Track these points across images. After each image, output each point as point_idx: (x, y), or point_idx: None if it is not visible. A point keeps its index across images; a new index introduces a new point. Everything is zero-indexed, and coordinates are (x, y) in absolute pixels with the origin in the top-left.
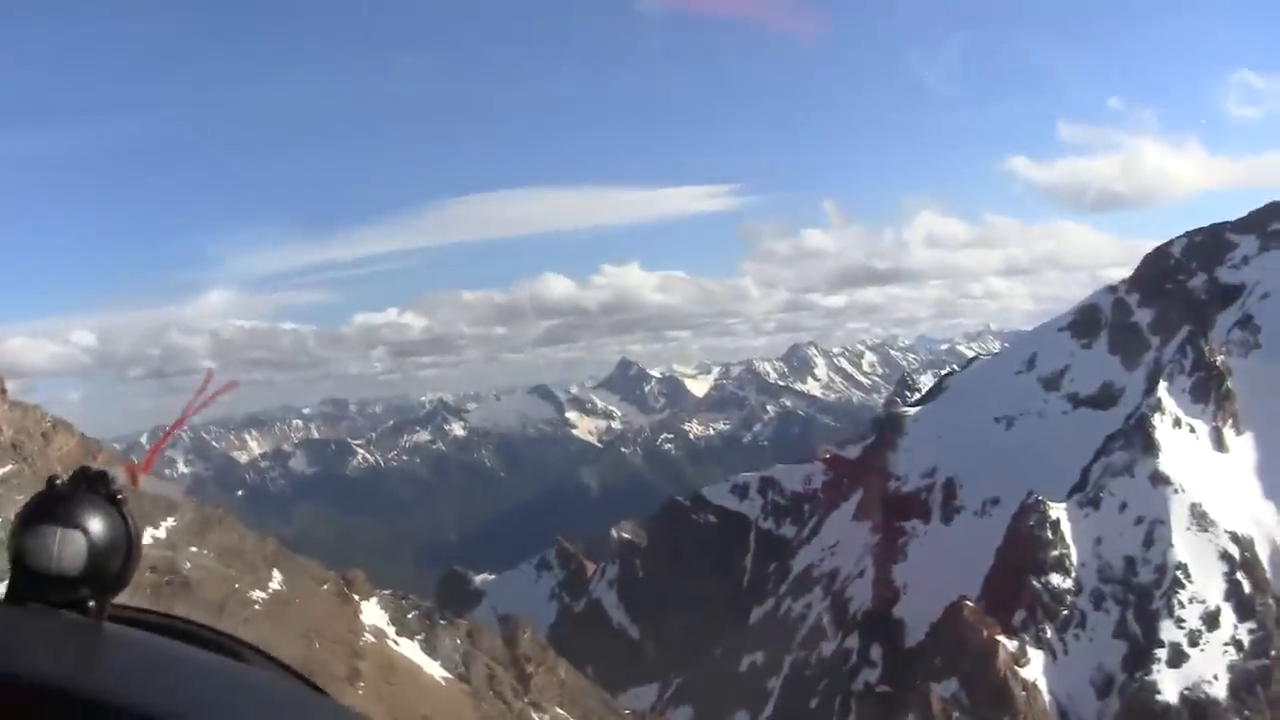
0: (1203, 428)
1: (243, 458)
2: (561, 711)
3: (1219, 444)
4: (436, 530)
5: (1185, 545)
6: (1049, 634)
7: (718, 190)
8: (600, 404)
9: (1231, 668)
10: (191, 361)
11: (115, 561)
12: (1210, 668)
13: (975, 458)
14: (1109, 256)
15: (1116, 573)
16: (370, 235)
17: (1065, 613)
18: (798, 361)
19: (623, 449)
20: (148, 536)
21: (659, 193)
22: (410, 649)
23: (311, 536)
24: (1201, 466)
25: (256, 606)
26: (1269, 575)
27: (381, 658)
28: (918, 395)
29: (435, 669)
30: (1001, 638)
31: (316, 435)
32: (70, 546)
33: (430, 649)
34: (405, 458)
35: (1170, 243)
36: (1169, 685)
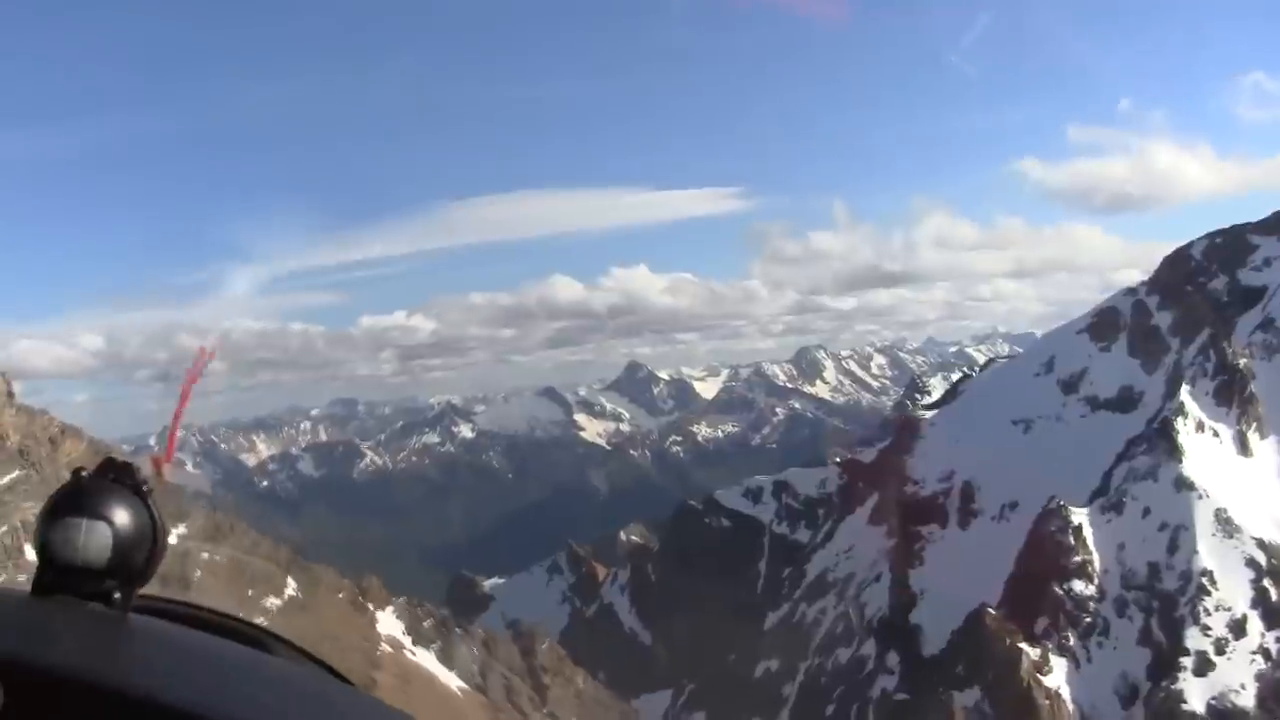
0: (1226, 431)
1: (250, 460)
2: None
3: (1243, 448)
4: (444, 532)
5: (1210, 551)
6: (1072, 642)
7: (726, 192)
8: (609, 406)
9: (1260, 677)
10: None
11: (140, 553)
12: (1238, 677)
13: (993, 461)
14: (1119, 259)
15: (1140, 579)
16: (378, 237)
17: (1088, 620)
18: (806, 364)
19: (631, 451)
20: None
21: (667, 195)
22: (427, 659)
23: (319, 539)
24: (1226, 471)
25: (271, 614)
26: None
27: (399, 667)
28: (928, 397)
29: (452, 679)
30: (1024, 646)
31: (324, 438)
32: (96, 538)
33: (447, 658)
34: (414, 459)
35: (1190, 244)
36: (1195, 695)
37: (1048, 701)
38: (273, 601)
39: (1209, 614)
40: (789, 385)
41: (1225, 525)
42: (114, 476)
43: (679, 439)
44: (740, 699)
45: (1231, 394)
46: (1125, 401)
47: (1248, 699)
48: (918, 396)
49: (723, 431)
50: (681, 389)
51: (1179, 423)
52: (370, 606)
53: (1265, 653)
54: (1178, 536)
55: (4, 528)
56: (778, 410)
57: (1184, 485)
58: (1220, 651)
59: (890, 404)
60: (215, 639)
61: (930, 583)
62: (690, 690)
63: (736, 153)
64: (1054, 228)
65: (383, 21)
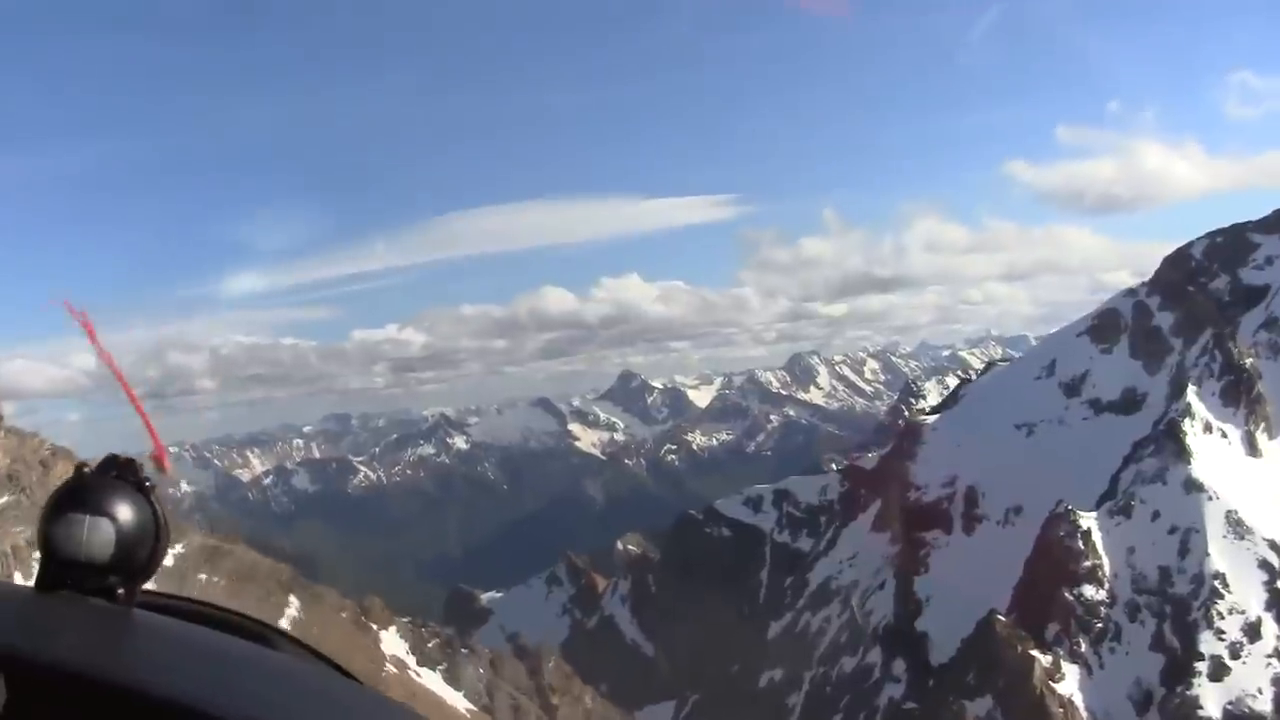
0: (1234, 432)
1: (245, 475)
2: None
3: (1252, 448)
4: (441, 545)
5: (1222, 554)
6: (1083, 648)
7: (716, 200)
8: (603, 416)
9: (1276, 680)
10: (191, 381)
11: (144, 549)
12: (1254, 681)
13: (996, 466)
14: (1110, 260)
15: (1151, 584)
16: (369, 251)
17: (1100, 626)
18: (800, 370)
19: (626, 461)
20: None
21: (657, 203)
22: (433, 679)
23: (316, 555)
24: (1235, 472)
25: None
26: None
27: (404, 690)
28: (923, 401)
29: (459, 700)
30: (1035, 653)
31: (318, 454)
32: (98, 534)
33: (453, 679)
34: (409, 472)
35: (1191, 244)
36: (1211, 700)
37: (1061, 709)
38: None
39: (1222, 617)
40: (783, 392)
41: (1236, 527)
42: (117, 473)
43: (674, 448)
44: (745, 710)
45: (1239, 394)
46: (1128, 404)
47: (1265, 704)
48: (912, 401)
49: (717, 439)
50: (675, 398)
51: (1186, 424)
52: (374, 626)
53: None
54: (1188, 539)
55: None
56: (772, 417)
57: (1193, 487)
58: (1235, 656)
59: (884, 409)
60: (219, 634)
61: (936, 589)
62: (694, 701)
63: (726, 160)
64: (1044, 229)
65: (370, 38)
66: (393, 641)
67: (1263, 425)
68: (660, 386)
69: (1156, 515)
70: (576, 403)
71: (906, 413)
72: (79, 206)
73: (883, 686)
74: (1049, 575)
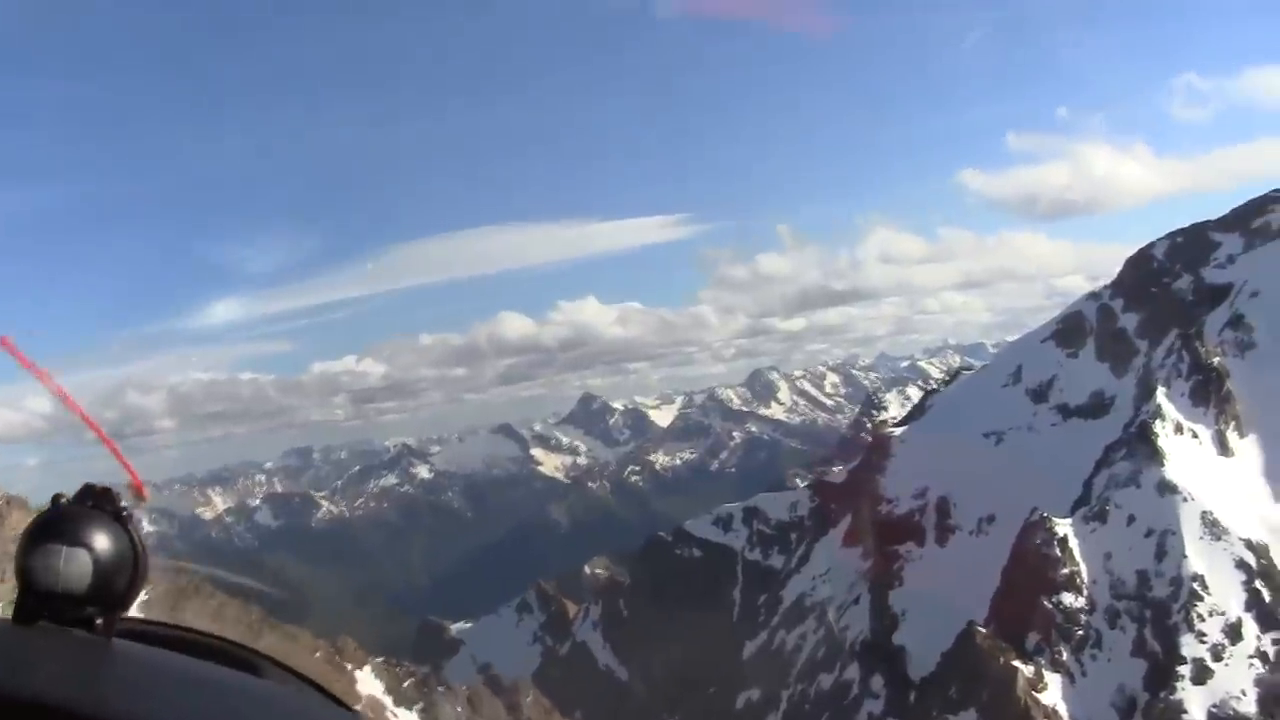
0: (1205, 432)
1: (207, 514)
2: None
3: (1223, 448)
4: (408, 575)
5: (1199, 555)
6: (1065, 656)
7: (669, 220)
8: (565, 440)
9: (1259, 681)
10: (149, 421)
11: (122, 579)
12: (1237, 682)
13: (967, 476)
14: (1064, 264)
15: (1130, 588)
16: (324, 283)
17: (1080, 633)
18: (760, 386)
19: (590, 484)
20: None
21: (611, 225)
22: None
23: (283, 591)
24: (1208, 472)
25: None
26: None
27: None
28: (885, 413)
29: None
30: (1018, 663)
31: (280, 489)
32: (75, 565)
33: (431, 719)
34: (373, 504)
35: (1152, 245)
36: (1195, 703)
37: (1046, 719)
38: None
39: (1203, 620)
40: (744, 409)
41: (1212, 528)
42: (93, 502)
43: (637, 469)
44: None
45: (1208, 393)
46: (1097, 407)
47: (1249, 705)
48: (874, 413)
49: (680, 459)
50: (637, 418)
51: (1157, 425)
52: (349, 666)
53: (1263, 656)
54: (1165, 542)
55: None
56: (734, 434)
57: (1167, 489)
58: (1217, 658)
59: (846, 422)
60: (201, 662)
61: (911, 602)
62: None
63: (678, 180)
64: (998, 237)
65: (319, 70)
66: (369, 681)
67: (1233, 424)
68: (621, 408)
69: (1132, 519)
70: (538, 427)
71: (869, 425)
72: (27, 248)
73: (862, 702)
74: (1027, 584)
